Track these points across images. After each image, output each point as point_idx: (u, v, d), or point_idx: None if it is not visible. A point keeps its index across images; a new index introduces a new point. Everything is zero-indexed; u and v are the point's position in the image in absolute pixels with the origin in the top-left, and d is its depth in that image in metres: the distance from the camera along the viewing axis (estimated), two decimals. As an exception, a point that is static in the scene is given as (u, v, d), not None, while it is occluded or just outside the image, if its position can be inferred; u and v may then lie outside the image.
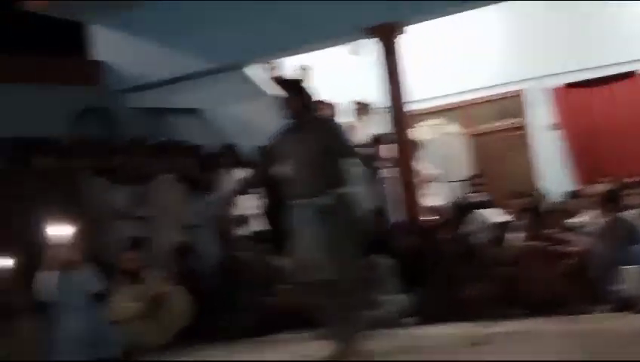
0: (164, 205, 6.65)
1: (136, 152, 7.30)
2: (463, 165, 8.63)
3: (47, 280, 5.33)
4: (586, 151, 8.19)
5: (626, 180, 6.88)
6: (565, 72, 8.15)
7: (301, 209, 4.24)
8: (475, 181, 7.62)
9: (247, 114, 8.52)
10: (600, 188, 6.98)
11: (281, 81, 4.51)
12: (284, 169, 4.40)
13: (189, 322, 5.57)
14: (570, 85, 8.25)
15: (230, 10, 7.81)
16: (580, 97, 8.26)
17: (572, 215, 6.71)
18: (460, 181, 8.02)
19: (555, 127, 8.34)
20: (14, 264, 5.30)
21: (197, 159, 7.50)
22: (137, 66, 8.82)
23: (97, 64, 9.28)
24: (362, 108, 8.41)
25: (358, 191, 4.56)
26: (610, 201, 6.00)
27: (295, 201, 4.28)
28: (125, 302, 5.44)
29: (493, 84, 8.56)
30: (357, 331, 4.31)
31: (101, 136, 8.69)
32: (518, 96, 8.63)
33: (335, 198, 4.23)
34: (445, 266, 6.04)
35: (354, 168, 4.52)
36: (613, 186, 6.80)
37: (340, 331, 4.27)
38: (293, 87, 4.42)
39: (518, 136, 8.65)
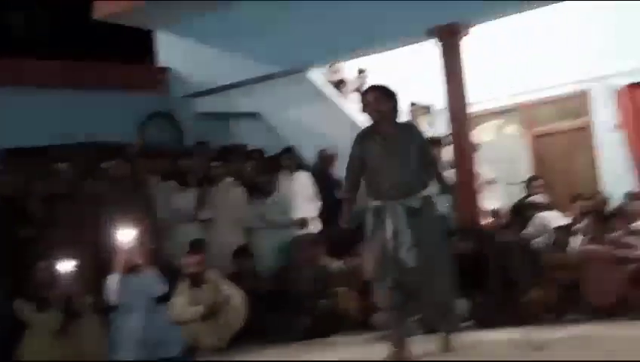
0: (225, 208, 6.78)
1: (201, 156, 7.48)
2: (523, 167, 8.51)
3: (113, 283, 5.55)
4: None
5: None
6: (631, 72, 7.94)
7: (390, 210, 4.31)
8: (533, 183, 7.50)
9: (308, 117, 8.59)
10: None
11: (373, 86, 4.55)
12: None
13: (246, 324, 5.67)
14: (635, 85, 8.02)
15: (292, 14, 7.92)
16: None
17: (636, 218, 6.55)
18: (519, 183, 7.90)
19: (619, 128, 8.13)
20: (77, 267, 5.47)
21: (257, 162, 7.63)
22: (202, 72, 9.05)
23: (164, 70, 9.57)
24: (419, 110, 8.37)
25: (438, 194, 4.62)
26: None
27: (381, 203, 4.34)
28: (186, 305, 5.54)
29: (557, 84, 8.39)
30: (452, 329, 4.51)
31: (168, 140, 8.97)
32: (582, 96, 8.44)
33: (423, 200, 4.36)
34: (505, 270, 5.99)
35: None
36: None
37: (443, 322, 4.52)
38: (386, 91, 4.47)
39: (581, 136, 8.45)
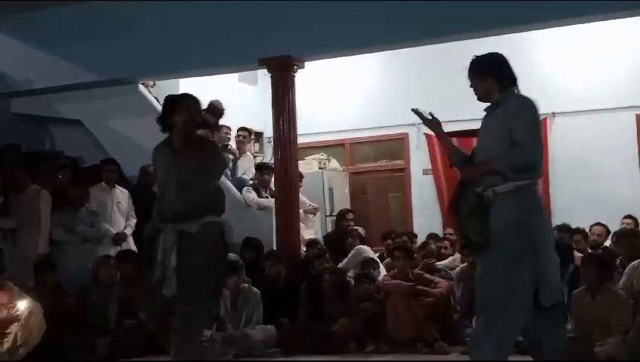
0: (29, 217, 6.35)
1: (8, 160, 6.96)
2: (342, 201, 8.79)
3: None
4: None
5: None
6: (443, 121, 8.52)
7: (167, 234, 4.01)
8: (345, 216, 7.76)
9: (135, 130, 8.20)
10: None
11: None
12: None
13: (44, 341, 5.30)
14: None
15: (123, 26, 7.67)
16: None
17: (441, 257, 6.99)
18: (336, 215, 8.15)
19: (429, 171, 8.74)
20: None
21: (72, 172, 7.23)
22: (19, 71, 8.44)
23: (-21, 64, 8.86)
24: (246, 136, 8.37)
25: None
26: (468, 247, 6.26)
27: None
28: (-25, 317, 5.12)
29: (379, 125, 8.85)
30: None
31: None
32: (402, 139, 8.95)
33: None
34: (316, 298, 6.11)
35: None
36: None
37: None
38: None
39: (398, 177, 8.97)
